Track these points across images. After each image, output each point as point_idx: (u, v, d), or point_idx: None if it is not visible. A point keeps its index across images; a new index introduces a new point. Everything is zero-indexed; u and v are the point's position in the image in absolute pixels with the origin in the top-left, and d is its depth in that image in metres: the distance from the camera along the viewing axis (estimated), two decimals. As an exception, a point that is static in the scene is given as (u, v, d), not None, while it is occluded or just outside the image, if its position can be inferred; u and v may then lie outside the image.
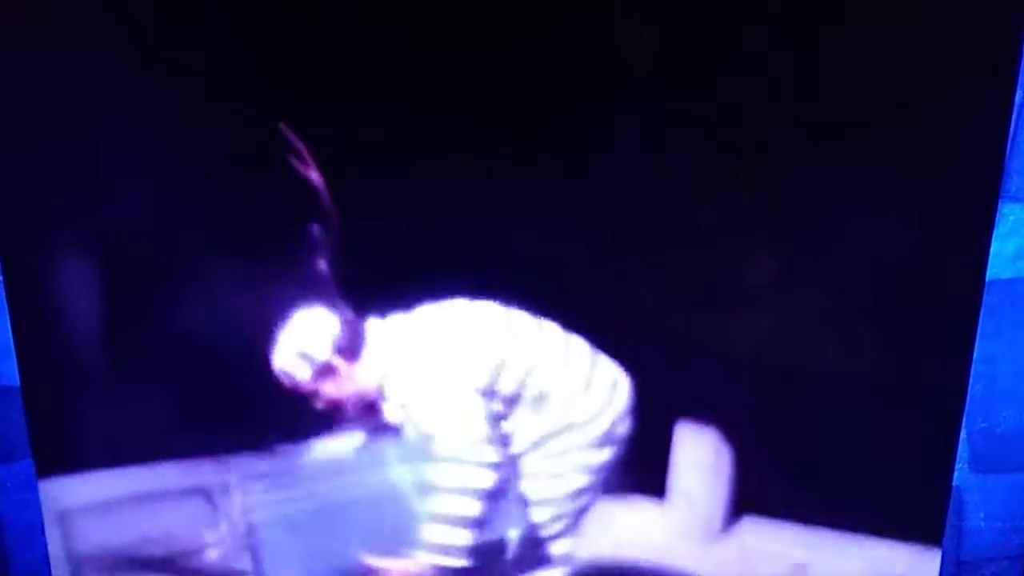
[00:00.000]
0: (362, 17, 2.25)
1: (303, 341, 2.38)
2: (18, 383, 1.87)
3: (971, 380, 1.80)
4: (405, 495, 2.62)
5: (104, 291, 2.30)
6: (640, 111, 2.32)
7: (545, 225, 2.48)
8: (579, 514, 2.52)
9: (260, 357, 2.55)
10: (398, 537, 2.63)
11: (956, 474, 1.84)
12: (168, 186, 2.29)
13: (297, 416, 2.65)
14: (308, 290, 2.40)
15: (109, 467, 2.44)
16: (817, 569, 2.94)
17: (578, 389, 2.43)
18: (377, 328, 2.45)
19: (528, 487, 2.51)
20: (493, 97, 2.30)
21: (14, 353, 1.87)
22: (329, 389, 2.45)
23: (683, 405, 2.99)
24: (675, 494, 3.06)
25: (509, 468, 2.49)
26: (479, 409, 2.38)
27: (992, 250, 1.76)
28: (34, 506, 1.94)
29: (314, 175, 2.27)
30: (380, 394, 2.47)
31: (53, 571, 1.93)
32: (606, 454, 2.53)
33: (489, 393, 2.39)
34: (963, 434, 1.81)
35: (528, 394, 2.42)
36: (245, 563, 2.60)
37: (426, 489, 2.51)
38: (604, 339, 2.68)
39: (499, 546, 2.54)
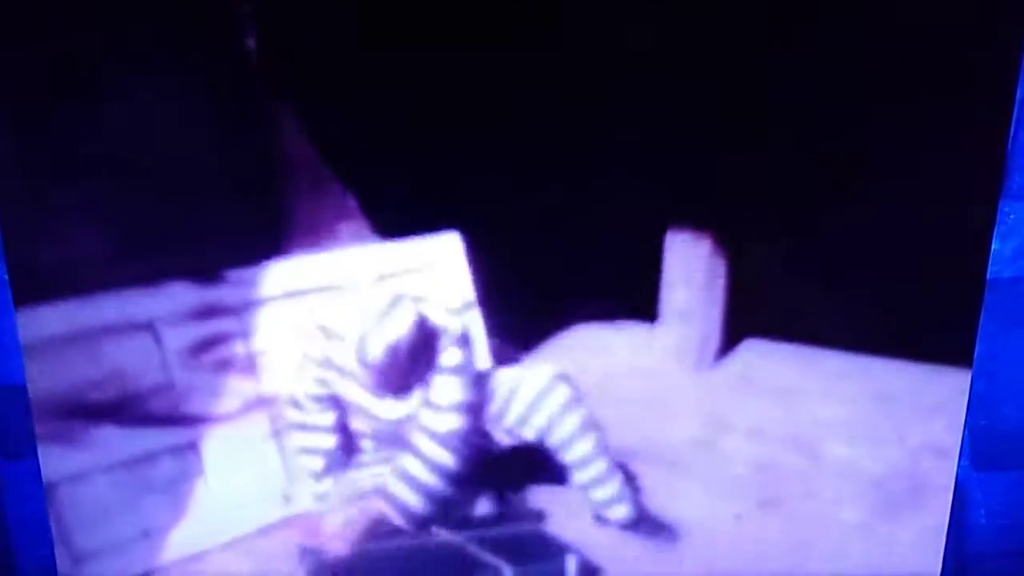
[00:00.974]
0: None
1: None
2: (23, 382, 1.83)
3: (972, 378, 1.82)
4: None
5: (41, 109, 2.20)
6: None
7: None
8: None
9: (205, 175, 2.45)
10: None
11: (958, 471, 1.88)
12: None
13: (248, 238, 2.53)
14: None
15: (49, 301, 2.26)
16: (817, 395, 2.78)
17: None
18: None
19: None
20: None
21: (19, 353, 1.82)
22: None
23: (674, 212, 2.79)
24: (667, 315, 2.88)
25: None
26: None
27: (993, 249, 1.77)
28: (40, 503, 1.95)
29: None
30: None
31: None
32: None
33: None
34: (964, 432, 1.85)
35: None
36: (196, 406, 2.43)
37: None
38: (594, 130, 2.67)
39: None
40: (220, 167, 2.60)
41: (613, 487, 2.28)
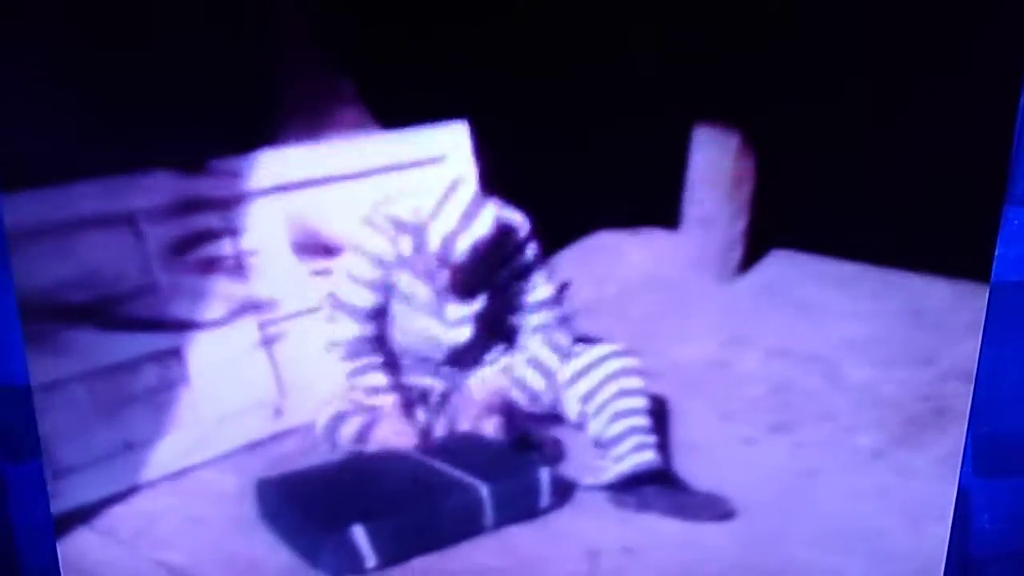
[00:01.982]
0: None
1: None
2: (27, 383, 1.86)
3: (975, 385, 1.76)
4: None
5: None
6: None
7: None
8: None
9: (188, 54, 2.27)
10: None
11: (961, 477, 1.83)
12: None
13: (235, 125, 2.38)
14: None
15: (28, 188, 2.11)
16: (844, 313, 2.69)
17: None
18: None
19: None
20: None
21: (23, 354, 1.86)
22: None
23: (701, 106, 2.65)
24: (689, 222, 2.79)
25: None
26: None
27: (997, 253, 1.68)
28: (43, 505, 1.93)
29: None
30: None
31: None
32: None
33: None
34: (968, 438, 1.80)
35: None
36: (181, 310, 2.31)
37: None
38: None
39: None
40: (205, 45, 2.40)
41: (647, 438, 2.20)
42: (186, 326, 2.32)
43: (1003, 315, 1.77)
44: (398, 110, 2.69)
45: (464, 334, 2.27)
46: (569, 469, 2.22)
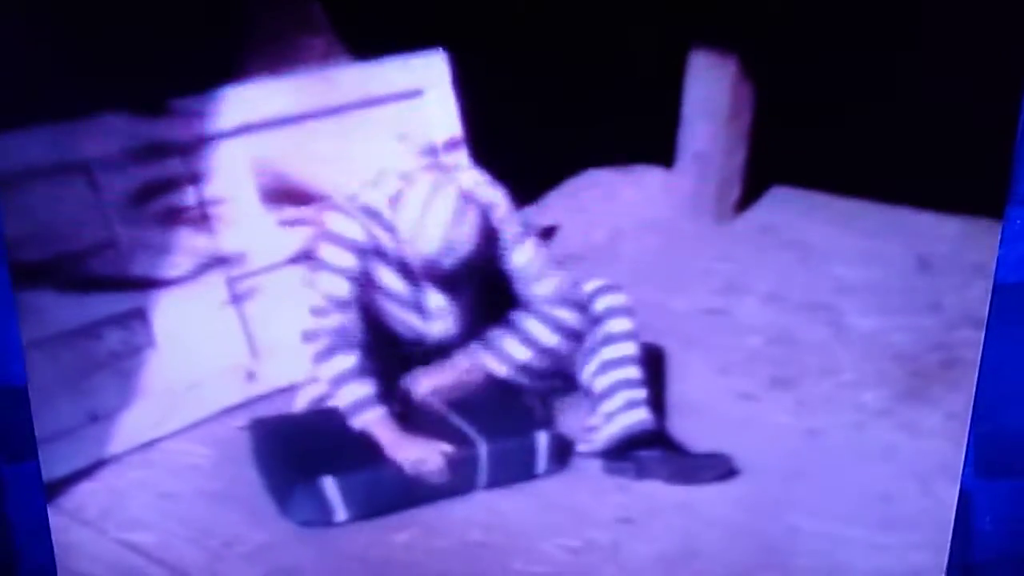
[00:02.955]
0: None
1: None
2: (25, 383, 1.80)
3: (977, 384, 1.72)
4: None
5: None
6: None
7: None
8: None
9: None
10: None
11: (963, 478, 1.79)
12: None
13: (194, 59, 2.22)
14: None
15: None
16: (846, 255, 2.60)
17: None
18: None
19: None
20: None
21: (21, 355, 1.80)
22: None
23: (696, 30, 2.50)
24: (684, 159, 2.67)
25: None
26: None
27: (999, 253, 1.63)
28: (41, 505, 1.86)
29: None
30: None
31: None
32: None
33: None
34: (970, 438, 1.76)
35: None
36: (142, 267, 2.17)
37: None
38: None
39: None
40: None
41: (638, 393, 2.10)
42: (149, 284, 2.20)
43: (1005, 316, 1.73)
44: (371, 38, 2.52)
45: (447, 326, 2.14)
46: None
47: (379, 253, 2.06)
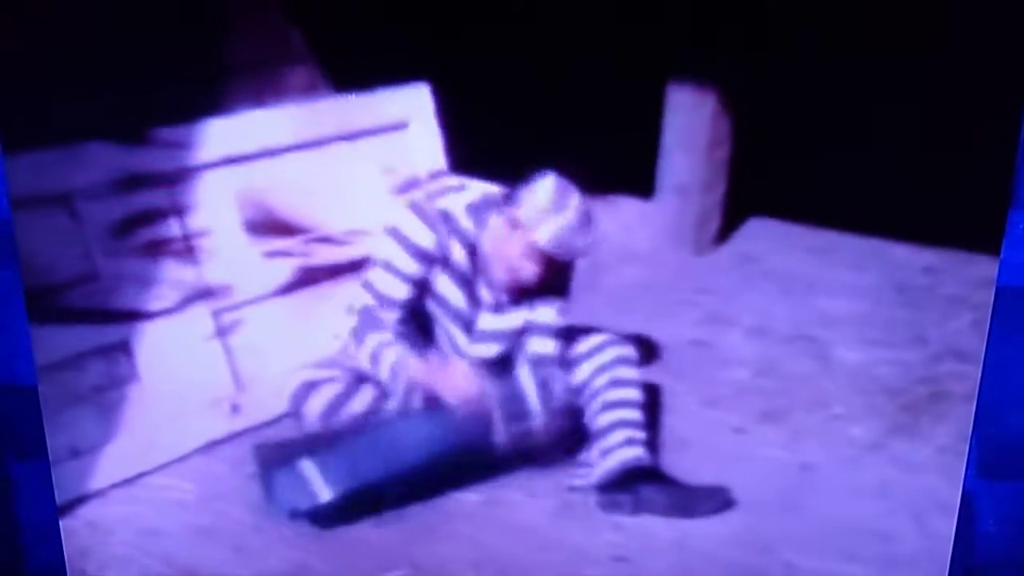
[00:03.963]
0: None
1: None
2: (34, 383, 1.80)
3: (980, 386, 1.76)
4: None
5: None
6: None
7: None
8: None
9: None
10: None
11: (965, 480, 1.83)
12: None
13: (178, 90, 2.25)
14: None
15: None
16: (829, 286, 2.64)
17: None
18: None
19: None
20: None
21: (30, 354, 1.80)
22: None
23: (674, 64, 2.55)
24: (663, 189, 2.72)
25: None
26: None
27: (1002, 257, 1.68)
28: (49, 504, 1.87)
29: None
30: None
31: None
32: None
33: None
34: (972, 441, 1.79)
35: None
36: (126, 300, 2.16)
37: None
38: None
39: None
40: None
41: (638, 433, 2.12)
42: (133, 317, 2.19)
43: (1008, 319, 1.76)
44: (355, 71, 2.54)
45: (491, 350, 2.15)
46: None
47: (445, 262, 2.08)
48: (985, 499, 1.84)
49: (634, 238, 2.73)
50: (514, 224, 2.03)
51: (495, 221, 2.07)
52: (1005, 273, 1.77)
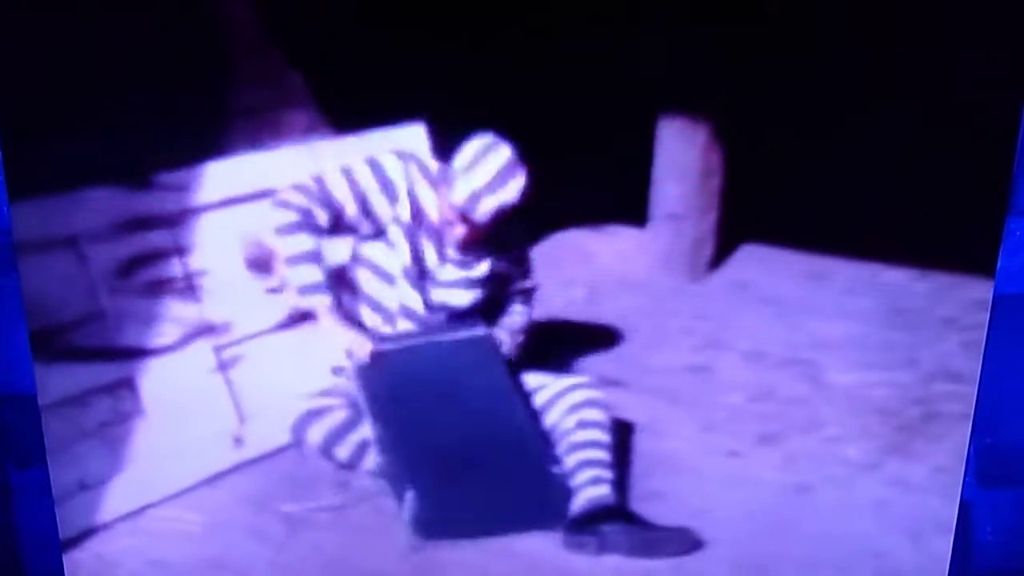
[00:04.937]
0: None
1: None
2: (34, 392, 1.90)
3: (978, 395, 1.80)
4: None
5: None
6: None
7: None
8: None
9: (126, 56, 2.19)
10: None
11: (964, 489, 1.86)
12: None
13: (180, 134, 2.29)
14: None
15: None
16: (822, 311, 2.67)
17: None
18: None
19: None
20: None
21: (30, 363, 1.90)
22: None
23: (666, 98, 2.62)
24: (657, 218, 2.74)
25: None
26: None
27: (999, 265, 1.72)
28: (49, 512, 1.97)
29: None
30: None
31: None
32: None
33: None
34: (971, 449, 1.83)
35: None
36: (130, 337, 2.26)
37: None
38: None
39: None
40: (145, 46, 2.31)
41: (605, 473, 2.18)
42: (137, 354, 2.26)
43: (1005, 327, 1.79)
44: (352, 112, 2.63)
45: (457, 296, 2.23)
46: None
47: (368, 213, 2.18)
48: (983, 508, 1.86)
49: (630, 266, 2.79)
50: (436, 183, 2.16)
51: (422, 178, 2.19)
52: (1002, 281, 1.79)
